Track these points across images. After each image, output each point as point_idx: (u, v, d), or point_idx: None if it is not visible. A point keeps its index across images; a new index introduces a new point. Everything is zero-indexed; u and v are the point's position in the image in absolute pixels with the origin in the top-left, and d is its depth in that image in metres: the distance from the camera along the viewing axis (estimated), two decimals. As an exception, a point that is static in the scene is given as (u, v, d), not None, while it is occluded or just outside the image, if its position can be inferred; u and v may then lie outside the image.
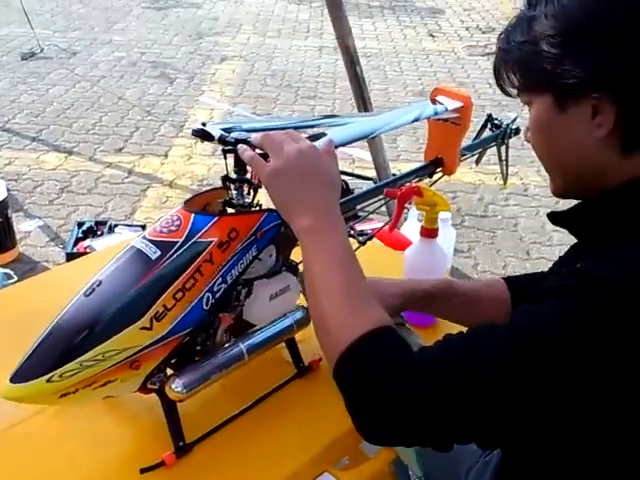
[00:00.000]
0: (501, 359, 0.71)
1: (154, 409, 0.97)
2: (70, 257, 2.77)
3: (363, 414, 0.76)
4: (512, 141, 1.49)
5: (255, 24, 6.51)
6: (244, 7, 7.11)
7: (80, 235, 2.86)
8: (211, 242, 0.91)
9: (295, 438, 1.02)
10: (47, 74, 4.93)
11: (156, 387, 0.93)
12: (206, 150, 3.81)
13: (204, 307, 0.91)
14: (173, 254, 0.89)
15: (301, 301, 1.11)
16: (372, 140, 2.66)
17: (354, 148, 3.47)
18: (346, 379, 0.77)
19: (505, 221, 3.29)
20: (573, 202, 0.88)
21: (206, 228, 0.91)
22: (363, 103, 2.55)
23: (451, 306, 1.12)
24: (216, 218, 0.93)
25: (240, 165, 0.96)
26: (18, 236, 2.90)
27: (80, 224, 2.92)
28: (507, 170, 1.50)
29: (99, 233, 2.87)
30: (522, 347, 0.71)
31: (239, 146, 0.91)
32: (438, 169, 1.32)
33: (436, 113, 1.21)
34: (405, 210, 1.87)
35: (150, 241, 0.91)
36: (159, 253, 0.89)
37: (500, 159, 1.47)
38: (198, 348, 0.97)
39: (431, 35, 6.45)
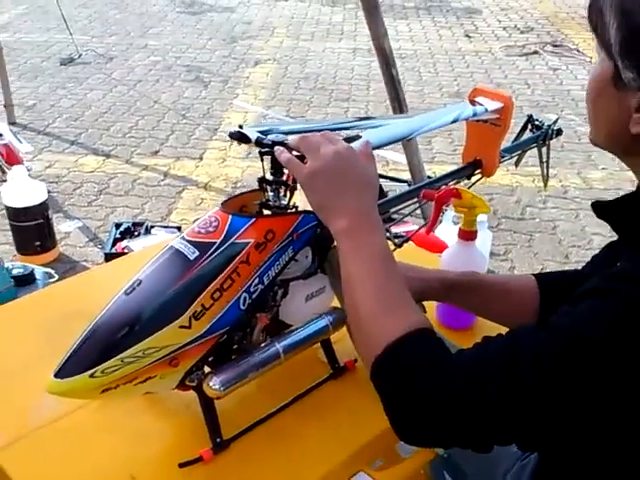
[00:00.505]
0: (540, 360, 0.71)
1: (192, 406, 0.98)
2: (108, 257, 2.82)
3: (401, 415, 0.76)
4: (551, 143, 1.47)
5: (288, 27, 6.54)
6: (277, 10, 7.15)
7: (118, 236, 2.91)
8: (248, 243, 0.92)
9: (331, 438, 1.02)
10: (85, 79, 5.02)
11: (194, 384, 0.95)
12: (240, 153, 3.84)
13: (241, 307, 0.92)
14: (211, 255, 0.90)
15: (337, 302, 1.11)
16: (407, 142, 2.65)
17: (388, 151, 3.47)
18: (383, 381, 0.77)
19: (543, 224, 3.24)
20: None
21: (243, 229, 0.92)
22: (398, 105, 2.55)
23: (476, 296, 1.11)
24: (253, 219, 0.94)
25: (276, 167, 0.96)
26: (58, 237, 2.96)
27: (118, 225, 2.97)
28: (548, 172, 1.48)
29: (136, 234, 2.92)
30: (561, 348, 0.71)
31: (276, 148, 0.92)
32: (476, 171, 1.31)
33: (475, 114, 1.20)
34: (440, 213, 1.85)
35: (189, 242, 0.92)
36: (197, 253, 0.90)
37: (541, 161, 1.45)
38: (235, 347, 0.99)
39: (467, 35, 6.39)
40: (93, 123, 4.26)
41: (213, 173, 3.65)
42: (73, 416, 1.03)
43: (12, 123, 4.09)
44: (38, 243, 2.82)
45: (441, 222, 2.36)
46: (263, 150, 0.95)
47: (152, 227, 2.96)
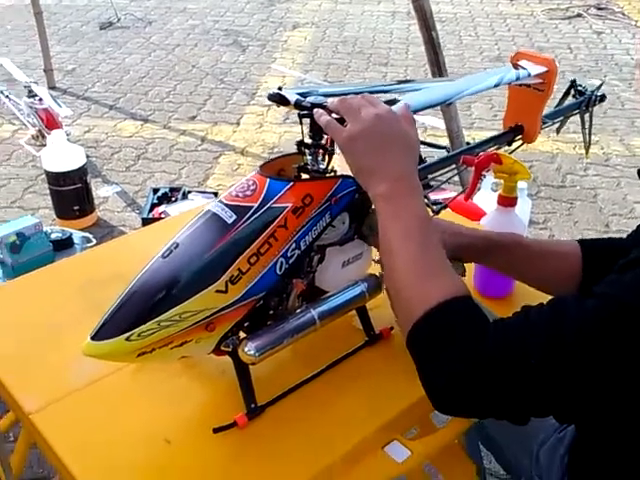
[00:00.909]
0: (584, 330, 0.69)
1: (228, 371, 0.98)
2: (146, 222, 2.84)
3: (436, 384, 0.75)
4: (594, 109, 1.42)
5: (327, -10, 6.43)
6: (316, -27, 7.02)
7: (155, 201, 2.93)
8: (286, 207, 0.91)
9: (365, 405, 1.02)
10: (124, 43, 5.03)
11: (229, 349, 0.95)
12: (277, 119, 3.81)
13: (277, 272, 0.91)
14: (249, 219, 0.89)
15: (373, 269, 1.10)
16: (446, 107, 2.59)
17: (426, 116, 3.41)
18: (420, 347, 0.77)
19: (584, 192, 3.16)
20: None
21: (281, 193, 0.91)
22: (438, 69, 2.49)
23: (517, 258, 1.08)
24: (291, 183, 0.93)
25: (315, 130, 0.94)
26: (96, 201, 3.00)
27: (155, 190, 2.99)
28: (590, 139, 1.43)
29: (173, 199, 2.93)
30: (606, 318, 0.69)
31: (315, 110, 0.91)
32: (517, 137, 1.27)
33: (518, 78, 1.16)
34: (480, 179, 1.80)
35: (226, 205, 0.91)
36: (235, 217, 0.89)
37: (583, 127, 1.40)
38: (271, 312, 0.98)
39: (509, -2, 6.21)
40: (131, 88, 4.27)
41: (250, 138, 3.64)
42: (109, 379, 1.04)
43: (52, 87, 4.13)
44: (77, 207, 2.86)
45: (479, 189, 2.32)
46: (302, 112, 0.94)
47: (189, 192, 2.97)
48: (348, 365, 1.08)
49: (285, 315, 0.99)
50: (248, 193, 0.92)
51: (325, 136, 0.95)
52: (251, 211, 0.90)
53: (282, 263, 0.91)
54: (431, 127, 3.52)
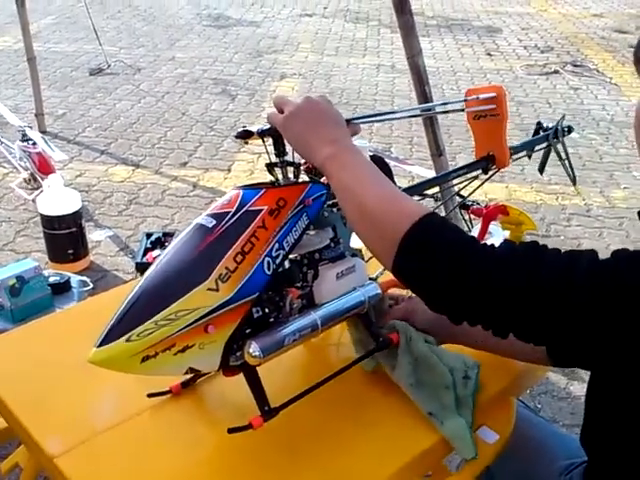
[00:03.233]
0: (595, 273, 0.74)
1: (248, 415, 0.99)
2: (139, 266, 2.87)
3: (436, 293, 0.81)
4: (574, 162, 1.51)
5: (313, 42, 6.62)
6: (302, 26, 7.23)
7: (149, 246, 2.95)
8: (262, 210, 0.97)
9: (379, 451, 1.04)
10: (114, 89, 5.11)
11: (238, 363, 0.97)
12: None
13: (266, 271, 0.96)
14: (227, 222, 0.96)
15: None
16: (437, 158, 2.68)
17: (414, 166, 3.51)
18: (413, 262, 0.82)
19: (568, 242, 3.26)
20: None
21: (255, 198, 0.98)
22: (430, 121, 2.58)
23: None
24: (264, 190, 1.00)
25: (279, 149, 1.04)
26: (89, 245, 3.01)
27: (149, 235, 3.01)
28: (573, 171, 1.51)
29: (166, 244, 2.96)
30: (620, 269, 0.74)
31: (267, 115, 1.01)
32: (491, 166, 1.35)
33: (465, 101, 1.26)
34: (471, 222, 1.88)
35: (207, 215, 0.99)
36: (214, 222, 0.96)
37: (560, 159, 1.48)
38: (271, 321, 1.01)
39: (488, 54, 6.44)
40: (122, 133, 4.33)
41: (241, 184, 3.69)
42: (129, 423, 1.06)
43: (43, 132, 4.16)
44: (71, 251, 2.87)
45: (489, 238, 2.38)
46: (262, 130, 1.03)
47: (182, 237, 3.00)
48: (362, 410, 1.11)
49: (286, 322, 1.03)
50: (225, 203, 0.99)
51: (289, 154, 1.04)
52: (229, 215, 0.96)
53: (269, 263, 0.96)
54: (418, 176, 3.61)
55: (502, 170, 1.38)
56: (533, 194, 3.67)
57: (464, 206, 2.39)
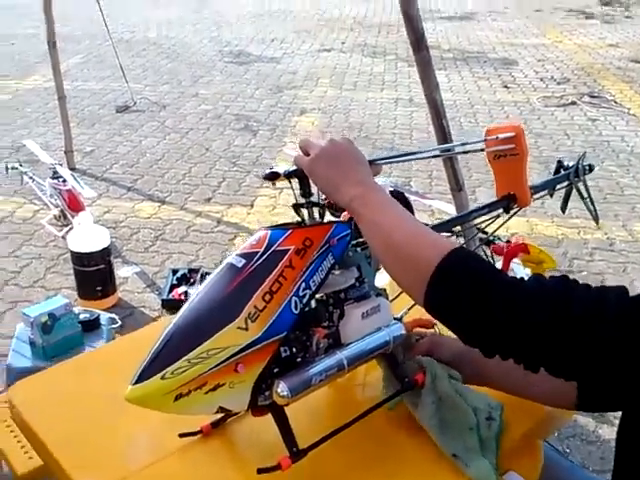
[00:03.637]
0: (625, 308, 0.76)
1: (276, 455, 1.03)
2: (165, 303, 2.94)
3: (467, 326, 0.84)
4: (595, 195, 1.54)
5: (332, 77, 6.75)
6: (320, 61, 7.38)
7: (174, 282, 3.03)
8: (289, 249, 1.02)
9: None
10: (140, 126, 5.25)
11: (266, 403, 1.01)
12: (289, 201, 3.95)
13: (294, 311, 1.00)
14: (256, 261, 1.00)
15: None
16: (457, 193, 2.73)
17: (434, 200, 3.56)
18: (443, 295, 0.85)
19: (591, 277, 3.25)
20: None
21: (283, 238, 1.03)
22: (449, 158, 2.63)
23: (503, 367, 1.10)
24: (290, 230, 1.05)
25: (305, 190, 1.08)
26: (117, 282, 3.09)
27: (174, 271, 3.09)
28: (594, 207, 1.52)
29: (192, 280, 3.04)
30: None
31: (293, 158, 1.06)
32: (512, 204, 1.38)
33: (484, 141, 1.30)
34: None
35: (237, 255, 1.03)
36: (244, 261, 1.00)
37: (582, 197, 1.49)
38: (298, 360, 1.05)
39: (505, 86, 6.52)
40: (148, 169, 4.45)
41: (264, 220, 3.78)
42: (162, 463, 1.11)
43: (72, 169, 4.28)
44: (99, 288, 2.95)
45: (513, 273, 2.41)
46: (289, 171, 1.08)
47: (207, 274, 3.07)
48: (387, 451, 1.14)
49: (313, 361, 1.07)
50: (254, 243, 1.04)
51: (314, 195, 1.09)
52: (257, 255, 1.01)
53: (296, 302, 1.00)
54: (439, 210, 3.66)
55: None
56: (554, 228, 3.69)
57: (487, 242, 2.43)
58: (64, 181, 3.59)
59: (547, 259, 1.24)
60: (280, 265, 1.01)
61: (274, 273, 1.00)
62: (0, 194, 4.06)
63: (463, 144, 1.31)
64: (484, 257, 0.87)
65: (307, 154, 1.04)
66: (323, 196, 1.08)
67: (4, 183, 4.18)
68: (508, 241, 2.57)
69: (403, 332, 1.16)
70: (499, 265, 1.50)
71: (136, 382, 0.93)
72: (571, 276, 0.83)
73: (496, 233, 2.63)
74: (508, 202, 1.37)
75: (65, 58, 6.98)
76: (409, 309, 1.26)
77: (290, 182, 1.09)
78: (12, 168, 4.10)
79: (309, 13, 10.35)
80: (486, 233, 1.93)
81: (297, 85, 6.44)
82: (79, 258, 2.93)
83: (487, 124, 5.41)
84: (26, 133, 5.05)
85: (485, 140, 1.34)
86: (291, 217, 1.13)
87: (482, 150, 1.37)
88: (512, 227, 3.53)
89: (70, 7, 9.03)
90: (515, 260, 1.27)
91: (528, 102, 6.03)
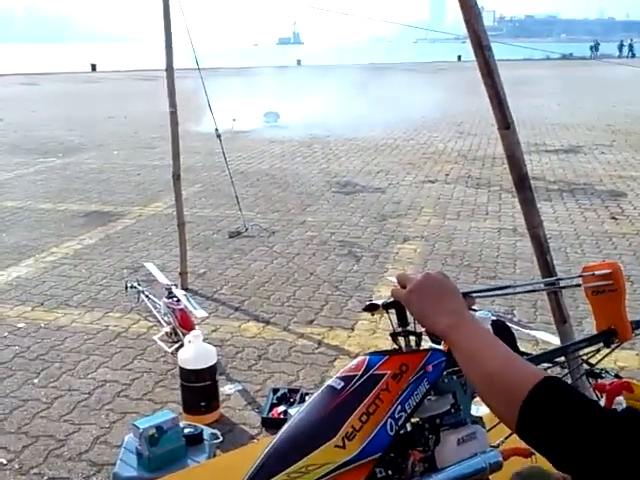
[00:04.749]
0: None
1: None
2: (265, 422, 2.99)
3: (559, 454, 0.84)
4: None
5: (435, 207, 6.91)
6: (424, 191, 7.59)
7: (275, 401, 3.09)
8: (385, 374, 1.08)
9: None
10: (250, 250, 5.55)
11: None
12: (389, 327, 3.99)
13: (389, 432, 1.04)
14: (354, 384, 1.07)
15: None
16: (562, 325, 2.69)
17: (538, 331, 3.49)
18: (535, 422, 0.86)
19: None
20: None
21: (380, 363, 1.10)
22: (554, 293, 2.63)
23: None
24: (388, 356, 1.11)
25: (402, 319, 1.15)
26: (220, 398, 3.18)
27: (275, 390, 3.16)
28: None
29: (292, 400, 3.09)
30: None
31: (391, 290, 1.12)
32: (613, 339, 1.37)
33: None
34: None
35: (337, 377, 1.11)
36: (343, 384, 1.08)
37: None
38: None
39: (613, 218, 6.42)
40: (255, 291, 4.65)
41: (364, 343, 3.82)
42: None
43: (185, 289, 4.55)
44: (204, 404, 3.05)
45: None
46: (387, 303, 1.14)
47: (307, 394, 3.12)
48: None
49: None
50: (353, 366, 1.12)
51: (410, 324, 1.14)
52: (356, 378, 1.08)
53: (392, 424, 1.05)
54: (543, 341, 3.57)
55: (634, 337, 1.41)
56: (666, 362, 3.50)
57: (593, 374, 2.36)
58: (178, 301, 3.83)
59: (654, 397, 1.21)
60: (377, 388, 1.08)
61: (371, 395, 1.07)
62: (118, 310, 4.35)
63: (559, 279, 1.35)
64: (587, 392, 0.90)
65: (404, 287, 1.12)
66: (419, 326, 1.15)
67: (123, 300, 4.48)
68: (617, 375, 2.48)
69: (500, 459, 1.17)
70: (601, 404, 1.47)
71: None
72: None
73: (604, 367, 2.57)
74: (609, 336, 1.38)
75: (185, 187, 7.59)
76: (506, 438, 1.26)
77: (388, 313, 1.17)
78: (131, 287, 4.42)
79: (414, 147, 10.77)
80: (592, 365, 1.91)
81: (401, 214, 6.64)
82: (187, 374, 3.06)
83: (594, 256, 5.31)
84: (145, 255, 5.45)
85: (581, 276, 1.38)
86: (390, 343, 1.21)
87: (578, 286, 1.40)
88: (621, 360, 3.38)
89: (194, 143, 9.91)
90: (618, 399, 1.25)
91: (638, 234, 5.89)
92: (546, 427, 0.86)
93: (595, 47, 44.45)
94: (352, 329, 4.04)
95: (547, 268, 2.68)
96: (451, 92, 18.80)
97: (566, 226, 6.16)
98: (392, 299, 1.15)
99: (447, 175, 8.48)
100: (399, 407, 1.07)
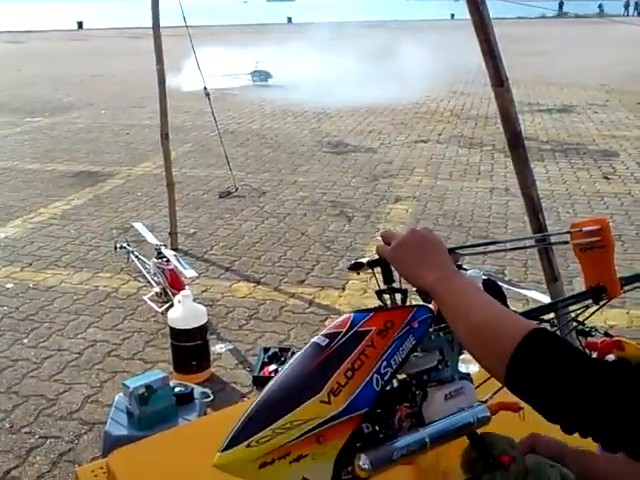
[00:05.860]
0: None
1: None
2: (256, 380, 2.99)
3: (548, 403, 0.84)
4: None
5: (427, 167, 6.86)
6: (417, 151, 7.53)
7: (266, 360, 3.09)
8: (370, 330, 1.06)
9: None
10: (240, 211, 5.50)
11: (349, 478, 1.02)
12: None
13: (375, 388, 1.02)
14: (339, 340, 1.04)
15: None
16: (553, 283, 2.68)
17: (529, 290, 3.49)
18: (524, 373, 0.86)
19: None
20: None
21: (365, 320, 1.07)
22: (545, 249, 2.61)
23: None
24: (372, 313, 1.09)
25: (387, 277, 1.12)
26: (211, 357, 3.18)
27: (266, 350, 3.16)
28: None
29: (282, 359, 3.09)
30: None
31: (376, 247, 1.10)
32: (602, 295, 1.36)
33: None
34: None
35: (321, 335, 1.08)
36: (327, 341, 1.05)
37: None
38: (380, 436, 1.06)
39: (606, 177, 6.40)
40: (246, 251, 4.62)
41: (355, 303, 3.82)
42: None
43: (175, 249, 4.51)
44: (194, 363, 3.05)
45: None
46: (372, 260, 1.12)
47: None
48: None
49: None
50: (337, 324, 1.09)
51: (396, 282, 1.11)
52: (340, 334, 1.05)
53: (378, 379, 1.03)
54: (533, 300, 3.58)
55: (623, 295, 1.39)
56: (657, 322, 3.52)
57: (583, 332, 2.36)
58: (167, 261, 3.80)
59: (644, 354, 1.20)
60: (362, 344, 1.05)
61: (356, 351, 1.04)
62: (107, 271, 4.32)
63: (545, 235, 1.32)
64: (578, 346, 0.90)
65: (388, 244, 1.10)
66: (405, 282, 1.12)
67: (112, 261, 4.45)
68: (606, 333, 2.48)
69: (487, 414, 1.16)
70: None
71: (224, 449, 0.99)
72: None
73: (594, 325, 2.57)
74: (597, 293, 1.36)
75: (174, 147, 7.50)
76: (494, 393, 1.26)
77: (373, 271, 1.15)
78: (120, 247, 4.39)
79: (406, 107, 10.67)
80: (582, 324, 1.90)
81: (393, 174, 6.59)
82: (177, 334, 3.05)
83: (586, 215, 5.30)
84: (135, 215, 5.40)
85: (569, 232, 1.35)
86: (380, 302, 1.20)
87: (566, 242, 1.37)
88: (611, 319, 3.40)
89: (183, 102, 9.77)
90: (609, 357, 1.24)
91: (629, 194, 5.88)
92: (536, 376, 0.85)
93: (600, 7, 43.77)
94: (343, 289, 4.04)
95: (539, 228, 2.66)
96: (446, 51, 18.56)
97: (558, 186, 6.14)
98: (377, 256, 1.14)
99: (439, 135, 8.41)
100: (385, 363, 1.06)
